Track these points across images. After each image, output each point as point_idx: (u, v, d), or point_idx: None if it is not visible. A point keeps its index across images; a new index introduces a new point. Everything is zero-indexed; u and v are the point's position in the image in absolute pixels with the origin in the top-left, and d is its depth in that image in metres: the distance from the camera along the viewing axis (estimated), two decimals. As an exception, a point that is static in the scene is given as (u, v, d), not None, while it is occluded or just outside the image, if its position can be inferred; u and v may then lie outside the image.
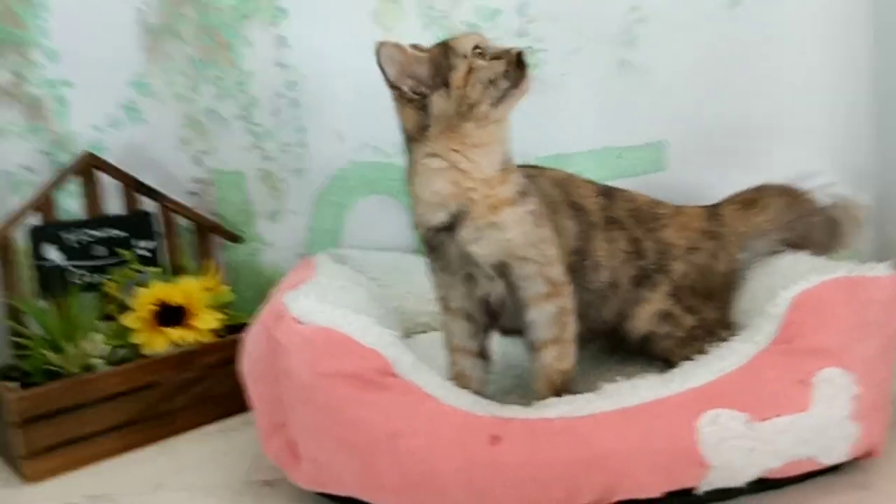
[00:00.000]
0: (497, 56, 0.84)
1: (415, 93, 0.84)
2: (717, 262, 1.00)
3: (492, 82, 0.82)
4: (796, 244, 1.02)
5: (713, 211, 1.05)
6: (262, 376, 0.82)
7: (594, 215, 0.96)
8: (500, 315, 0.90)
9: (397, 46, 0.84)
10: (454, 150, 0.84)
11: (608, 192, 1.00)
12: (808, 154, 1.29)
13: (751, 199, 1.05)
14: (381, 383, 0.75)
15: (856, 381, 0.75)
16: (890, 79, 1.28)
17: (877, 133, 1.32)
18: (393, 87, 0.85)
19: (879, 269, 0.82)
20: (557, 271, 0.87)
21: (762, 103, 1.30)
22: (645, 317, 0.97)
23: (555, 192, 0.95)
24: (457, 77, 0.83)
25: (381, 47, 0.83)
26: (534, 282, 0.86)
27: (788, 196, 1.06)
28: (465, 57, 0.83)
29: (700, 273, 0.99)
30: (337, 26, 1.25)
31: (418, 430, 0.74)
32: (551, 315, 0.86)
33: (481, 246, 0.84)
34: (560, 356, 0.86)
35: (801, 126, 1.30)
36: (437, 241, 0.87)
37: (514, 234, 0.84)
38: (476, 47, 0.84)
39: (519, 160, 0.94)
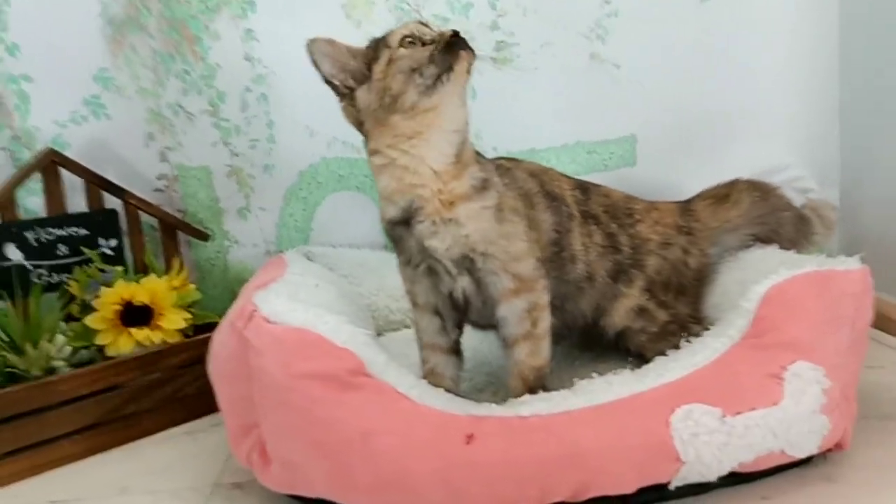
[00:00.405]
0: (431, 42, 0.82)
1: (346, 87, 0.84)
2: (690, 257, 1.01)
3: (414, 71, 0.80)
4: (766, 239, 1.03)
5: (686, 207, 1.05)
6: (232, 377, 0.80)
7: (571, 207, 0.96)
8: (467, 310, 0.89)
9: (329, 42, 0.83)
10: (389, 146, 0.83)
11: (584, 187, 1.00)
12: (777, 149, 1.31)
13: (723, 195, 1.06)
14: (353, 383, 0.73)
15: (826, 375, 0.75)
16: (856, 74, 1.30)
17: (844, 128, 1.34)
18: (327, 82, 0.84)
19: (850, 263, 0.82)
20: (526, 266, 0.86)
21: (732, 98, 1.31)
22: (621, 312, 0.96)
23: (531, 183, 0.94)
24: (377, 69, 0.82)
25: (312, 43, 0.82)
26: (499, 277, 0.84)
27: (760, 191, 1.06)
28: (389, 47, 0.82)
29: (673, 268, 0.99)
30: (307, 19, 1.24)
31: (392, 429, 0.72)
32: (521, 310, 0.85)
33: (439, 241, 0.83)
34: (533, 352, 0.86)
35: (770, 121, 1.32)
36: (397, 235, 0.86)
37: (470, 230, 0.83)
38: (407, 37, 0.82)
39: (490, 155, 0.93)
